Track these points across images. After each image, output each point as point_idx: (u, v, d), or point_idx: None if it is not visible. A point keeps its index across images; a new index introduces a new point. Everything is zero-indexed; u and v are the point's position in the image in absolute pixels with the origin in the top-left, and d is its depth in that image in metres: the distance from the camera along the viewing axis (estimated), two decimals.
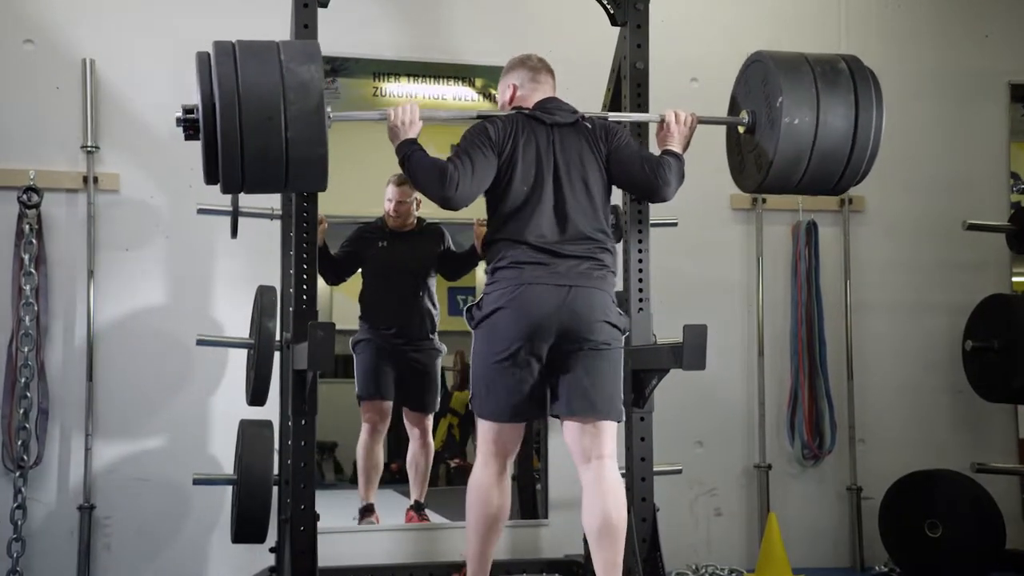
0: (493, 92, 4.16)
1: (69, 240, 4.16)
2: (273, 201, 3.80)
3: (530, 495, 4.43)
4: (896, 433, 4.91)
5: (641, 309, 3.53)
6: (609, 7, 3.68)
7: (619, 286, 3.73)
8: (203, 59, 2.81)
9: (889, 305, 4.97)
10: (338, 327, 3.03)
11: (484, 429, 3.11)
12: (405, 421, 4.39)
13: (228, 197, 3.74)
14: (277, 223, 3.86)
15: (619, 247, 3.72)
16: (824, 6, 5.02)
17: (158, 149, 4.19)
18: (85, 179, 4.16)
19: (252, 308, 3.78)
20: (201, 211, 3.75)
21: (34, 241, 4.04)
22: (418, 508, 4.39)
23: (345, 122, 3.21)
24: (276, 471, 3.65)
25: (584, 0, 3.78)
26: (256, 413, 3.71)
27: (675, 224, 3.99)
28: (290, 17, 3.46)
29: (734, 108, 3.41)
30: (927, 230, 5.01)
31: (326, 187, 3.02)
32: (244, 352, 3.84)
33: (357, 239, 4.38)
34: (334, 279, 4.39)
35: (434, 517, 4.39)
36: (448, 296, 4.72)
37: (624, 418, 3.16)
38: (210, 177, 2.87)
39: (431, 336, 4.38)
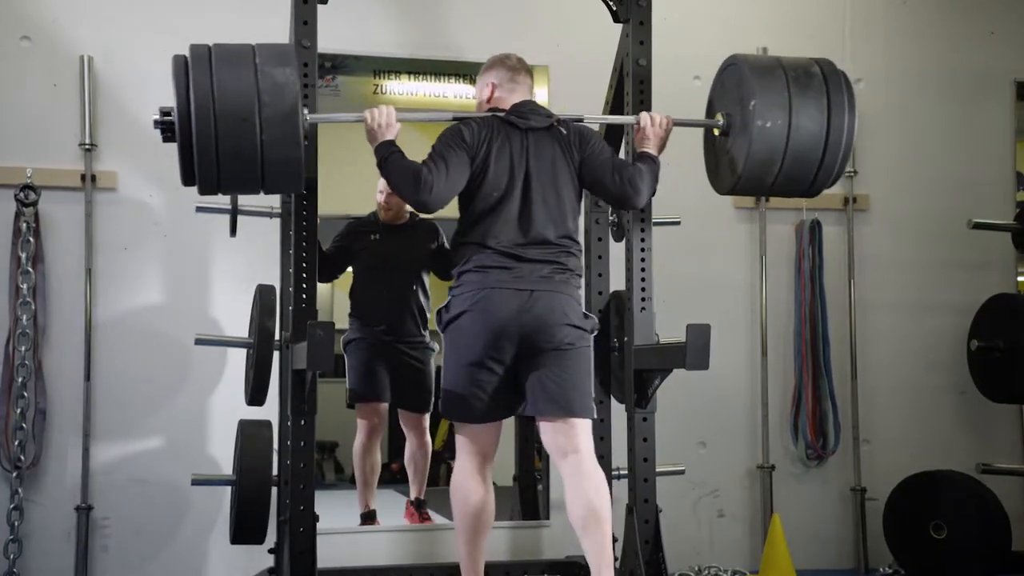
0: None
1: (67, 239, 4.15)
2: (273, 200, 3.77)
3: (531, 496, 4.40)
4: (900, 434, 4.90)
5: (644, 309, 3.50)
6: (611, 4, 3.65)
7: (619, 286, 3.74)
8: (179, 62, 2.87)
9: (894, 304, 4.95)
10: (338, 326, 3.03)
11: (458, 431, 3.19)
12: (401, 422, 4.34)
13: (227, 196, 3.72)
14: (276, 221, 3.84)
15: (621, 246, 3.73)
16: (829, 3, 5.00)
17: (157, 147, 4.05)
18: (83, 177, 4.15)
19: (251, 307, 3.76)
20: (200, 209, 3.73)
21: (31, 240, 4.03)
22: (419, 505, 4.35)
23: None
24: (275, 471, 3.64)
25: None
26: (255, 413, 3.69)
27: (678, 223, 3.97)
28: (290, 14, 3.43)
29: (711, 111, 3.46)
30: (932, 229, 4.99)
31: (302, 189, 3.06)
32: (243, 352, 3.81)
33: (349, 233, 4.32)
34: (326, 276, 4.33)
35: (435, 518, 4.36)
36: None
37: (595, 414, 3.20)
38: (187, 178, 2.93)
39: (423, 333, 4.33)
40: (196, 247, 4.23)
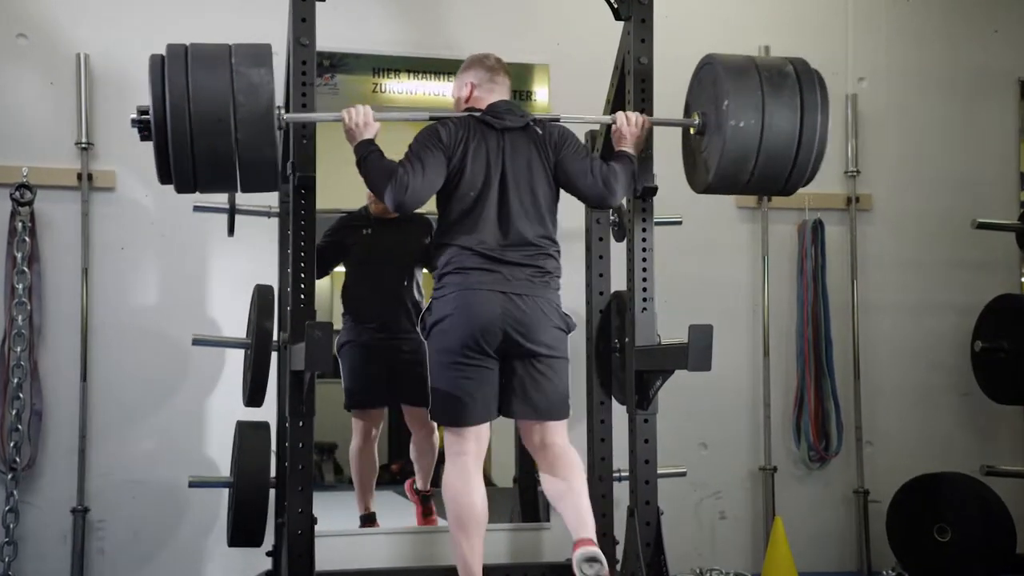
0: None
1: (63, 238, 4.13)
2: (270, 199, 3.76)
3: (531, 498, 4.38)
4: (904, 435, 4.88)
5: (645, 309, 3.48)
6: (613, 2, 3.63)
7: (620, 286, 3.72)
8: (155, 61, 2.91)
9: (897, 305, 4.93)
10: (337, 327, 3.01)
11: (447, 433, 3.22)
12: (406, 419, 4.29)
13: (225, 195, 3.71)
14: (275, 221, 3.82)
15: (622, 246, 3.71)
16: (830, 2, 4.98)
17: None
18: (79, 176, 4.12)
19: (249, 307, 3.74)
20: (197, 209, 3.73)
21: (27, 239, 4.01)
22: (424, 500, 4.29)
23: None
24: (273, 473, 3.63)
25: None
26: (253, 414, 3.68)
27: (679, 223, 3.97)
28: (288, 12, 3.40)
29: (688, 110, 3.48)
30: (935, 229, 4.97)
31: (277, 188, 3.12)
32: (241, 352, 3.80)
33: (340, 228, 4.27)
34: (319, 271, 4.29)
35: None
36: None
37: (571, 412, 3.26)
38: (163, 177, 2.97)
39: (417, 328, 4.28)
40: (194, 247, 4.21)
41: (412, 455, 4.33)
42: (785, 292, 4.83)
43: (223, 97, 2.86)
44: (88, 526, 4.06)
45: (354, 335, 4.20)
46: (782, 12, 4.90)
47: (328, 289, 4.42)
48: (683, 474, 3.89)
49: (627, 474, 3.55)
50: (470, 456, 3.16)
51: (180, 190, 3.00)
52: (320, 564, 3.30)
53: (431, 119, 3.27)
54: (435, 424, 4.22)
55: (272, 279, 3.76)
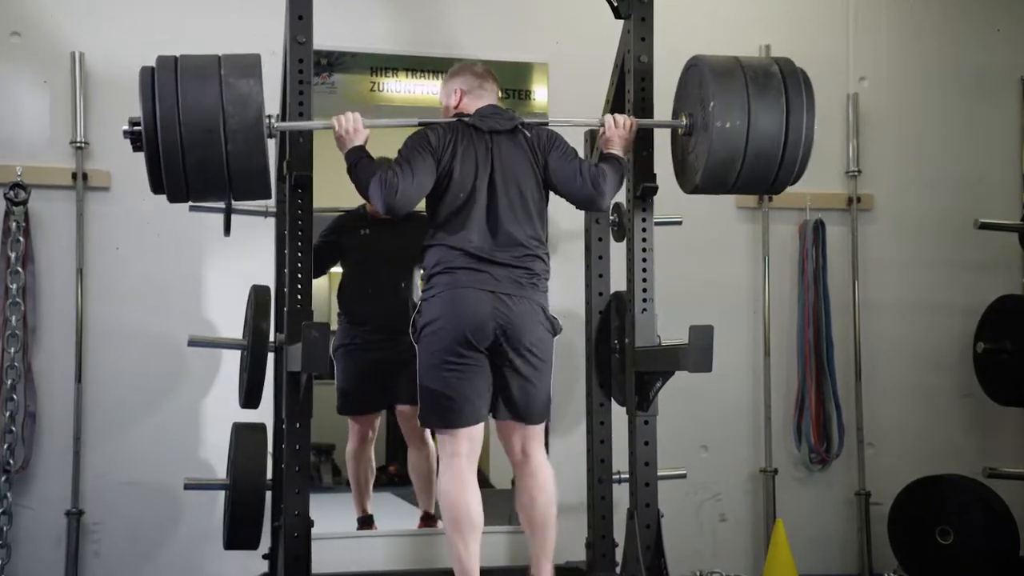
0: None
1: (58, 238, 4.10)
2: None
3: None
4: (906, 437, 4.86)
5: (645, 310, 3.47)
6: (613, 0, 3.61)
7: (620, 286, 3.70)
8: (145, 73, 2.95)
9: (898, 305, 4.91)
10: (334, 328, 2.99)
11: (441, 436, 3.25)
12: (399, 421, 4.25)
13: None
14: (271, 220, 3.80)
15: (622, 246, 3.70)
16: (831, 1, 4.95)
17: None
18: (74, 176, 4.10)
19: (245, 308, 3.71)
20: (193, 208, 3.69)
21: (21, 239, 3.99)
22: (428, 520, 4.27)
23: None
24: (270, 475, 3.61)
25: None
26: (249, 416, 3.65)
27: (680, 223, 3.96)
28: (284, 10, 3.38)
29: (676, 111, 3.49)
30: (937, 229, 4.96)
31: (271, 195, 3.15)
32: (237, 353, 3.77)
33: (337, 228, 4.25)
34: (316, 271, 4.26)
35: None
36: None
37: (550, 415, 3.31)
38: (156, 187, 3.01)
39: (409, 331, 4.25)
40: (190, 247, 4.19)
41: (409, 469, 4.30)
42: (786, 292, 4.81)
43: (213, 108, 2.90)
44: (83, 529, 4.04)
45: (349, 338, 4.17)
46: (783, 11, 4.88)
47: (326, 289, 4.40)
48: (683, 476, 3.88)
49: (627, 476, 3.53)
50: (463, 457, 3.16)
51: (173, 200, 3.04)
52: (317, 567, 3.28)
53: (420, 124, 3.28)
54: (428, 433, 4.17)
55: (269, 279, 3.74)
